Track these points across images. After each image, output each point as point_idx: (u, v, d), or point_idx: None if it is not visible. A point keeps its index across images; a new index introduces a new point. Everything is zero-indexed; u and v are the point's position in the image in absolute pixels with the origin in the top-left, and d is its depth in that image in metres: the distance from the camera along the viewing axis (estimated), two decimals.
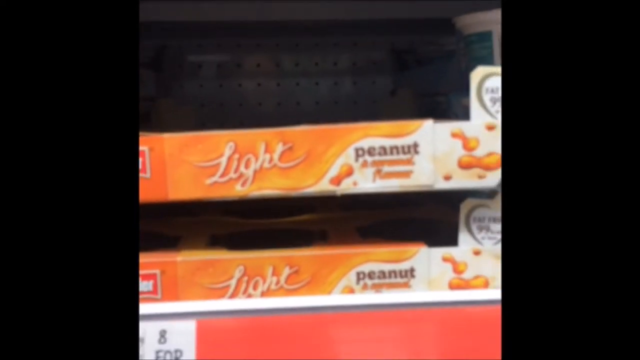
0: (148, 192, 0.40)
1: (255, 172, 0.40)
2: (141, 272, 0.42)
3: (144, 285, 0.42)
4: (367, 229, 0.50)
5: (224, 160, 0.40)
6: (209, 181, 0.40)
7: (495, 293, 0.43)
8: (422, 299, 0.43)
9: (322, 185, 0.40)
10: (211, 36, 0.98)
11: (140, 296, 0.43)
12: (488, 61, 0.52)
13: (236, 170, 0.40)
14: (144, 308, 0.42)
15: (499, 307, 0.42)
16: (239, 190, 0.41)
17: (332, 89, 1.01)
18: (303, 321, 0.42)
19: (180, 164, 0.40)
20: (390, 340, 0.42)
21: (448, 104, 0.68)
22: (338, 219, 0.54)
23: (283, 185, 0.40)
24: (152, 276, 0.42)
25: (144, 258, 0.43)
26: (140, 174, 0.40)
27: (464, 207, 0.43)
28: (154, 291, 0.42)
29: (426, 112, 0.77)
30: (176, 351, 0.41)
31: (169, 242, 0.48)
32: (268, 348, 0.41)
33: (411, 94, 0.83)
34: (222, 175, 0.40)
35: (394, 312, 0.43)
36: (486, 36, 0.52)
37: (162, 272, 0.42)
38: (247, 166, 0.40)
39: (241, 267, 0.43)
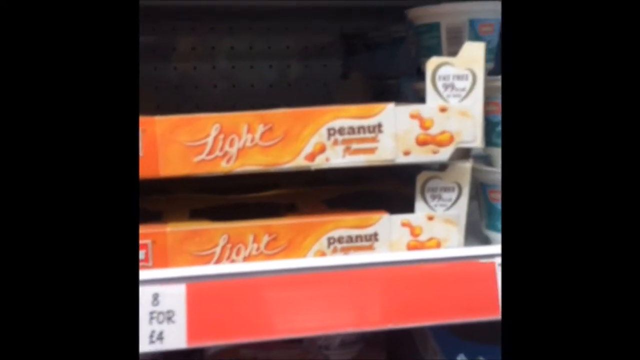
0: (141, 169, 0.45)
1: (238, 150, 0.45)
2: None
3: None
4: (333, 202, 0.55)
5: (210, 140, 0.45)
6: (196, 159, 0.45)
7: (446, 252, 0.50)
8: (385, 259, 0.49)
9: (299, 162, 0.46)
10: (170, 19, 1.00)
11: None
12: (436, 50, 0.58)
13: (222, 149, 0.45)
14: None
15: (450, 264, 0.49)
16: (224, 167, 0.45)
17: (285, 72, 1.05)
18: (282, 281, 0.47)
19: (170, 143, 0.45)
20: (358, 295, 0.48)
21: (398, 87, 0.74)
22: (305, 193, 0.60)
23: (264, 162, 0.45)
24: (143, 246, 0.46)
25: None
26: None
27: (420, 179, 0.50)
28: (146, 259, 0.47)
29: (376, 95, 0.84)
30: (168, 312, 0.46)
31: (153, 217, 0.52)
32: (251, 306, 0.47)
33: (361, 77, 0.89)
34: (209, 154, 0.45)
35: (361, 270, 0.49)
36: (435, 27, 0.58)
37: (153, 242, 0.47)
38: (231, 145, 0.45)
39: (225, 236, 0.47)
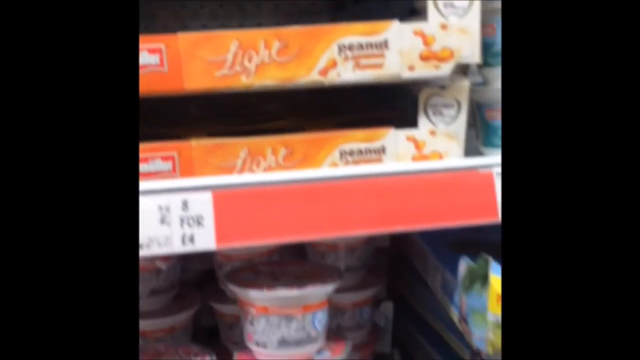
0: (166, 84, 0.48)
1: (257, 66, 0.49)
2: (161, 154, 0.50)
3: (164, 166, 0.50)
4: (341, 125, 0.59)
5: (230, 55, 0.48)
6: (218, 74, 0.48)
7: (448, 163, 0.54)
8: (392, 170, 0.53)
9: (313, 76, 0.50)
10: None
11: (162, 175, 0.50)
12: None
13: (241, 64, 0.48)
14: (167, 183, 0.50)
15: (451, 174, 0.54)
16: (244, 82, 0.49)
17: None
18: (298, 190, 0.51)
19: (193, 59, 0.48)
20: (368, 202, 0.52)
21: None
22: (313, 121, 0.63)
23: (281, 77, 0.49)
24: (170, 158, 0.50)
25: (161, 145, 0.50)
26: (159, 68, 0.48)
27: (422, 96, 0.54)
28: (173, 170, 0.50)
29: None
30: (197, 216, 0.49)
31: (172, 138, 0.55)
32: (271, 212, 0.50)
33: None
34: (230, 68, 0.48)
35: (370, 179, 0.53)
36: None
37: (179, 154, 0.50)
38: (249, 60, 0.49)
39: (245, 149, 0.51)
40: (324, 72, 0.50)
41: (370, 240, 0.76)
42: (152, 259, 0.67)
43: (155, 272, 0.69)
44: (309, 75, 0.50)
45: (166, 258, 0.68)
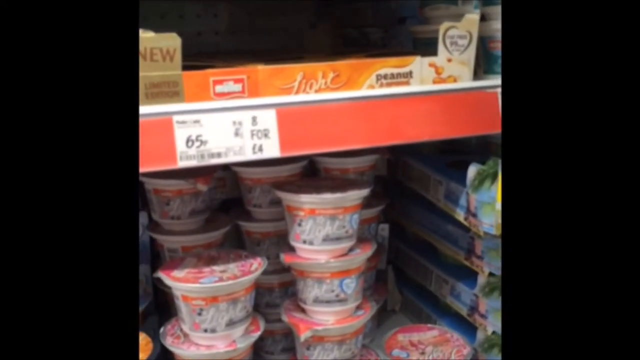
0: None
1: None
2: (233, 77, 0.59)
3: (235, 87, 0.59)
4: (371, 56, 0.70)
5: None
6: None
7: (461, 85, 0.66)
8: (418, 90, 0.64)
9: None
10: None
11: (234, 95, 0.59)
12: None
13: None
14: (239, 102, 0.59)
15: (464, 94, 0.65)
16: None
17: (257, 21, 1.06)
18: (344, 107, 0.62)
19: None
20: (400, 116, 0.63)
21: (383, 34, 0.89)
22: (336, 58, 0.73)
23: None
24: (240, 80, 0.59)
25: (234, 70, 0.59)
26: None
27: (442, 29, 0.65)
28: (242, 91, 0.59)
29: (347, 43, 0.98)
30: (265, 129, 0.59)
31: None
32: (323, 126, 0.60)
33: (329, 27, 1.03)
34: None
35: (401, 99, 0.64)
36: None
37: (248, 77, 0.59)
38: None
39: (301, 73, 0.61)
40: None
41: (374, 166, 0.87)
42: (194, 182, 0.76)
43: (194, 195, 0.77)
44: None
45: (206, 181, 0.77)
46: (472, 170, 0.69)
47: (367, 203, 0.86)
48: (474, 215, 0.69)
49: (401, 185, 0.94)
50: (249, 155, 0.58)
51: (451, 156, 0.87)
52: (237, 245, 0.88)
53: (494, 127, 0.66)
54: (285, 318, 0.72)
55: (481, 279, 0.77)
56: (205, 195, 0.79)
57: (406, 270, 0.98)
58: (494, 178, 0.65)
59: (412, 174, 0.89)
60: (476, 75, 0.69)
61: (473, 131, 0.65)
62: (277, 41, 1.09)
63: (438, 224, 0.86)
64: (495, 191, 0.64)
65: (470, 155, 0.90)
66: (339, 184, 0.71)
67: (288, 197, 0.67)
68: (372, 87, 0.63)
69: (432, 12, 0.76)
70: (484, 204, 0.66)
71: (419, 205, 0.91)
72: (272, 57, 0.72)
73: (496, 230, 0.65)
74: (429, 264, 0.91)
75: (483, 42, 0.69)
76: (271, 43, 1.08)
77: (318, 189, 0.68)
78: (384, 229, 0.95)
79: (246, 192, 0.82)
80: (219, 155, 0.57)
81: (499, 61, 0.68)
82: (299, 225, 0.67)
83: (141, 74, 0.54)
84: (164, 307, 0.84)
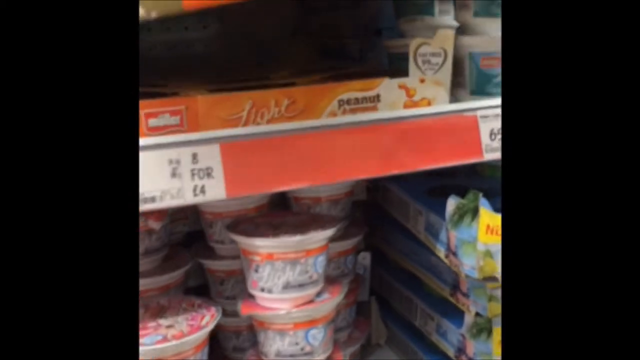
0: None
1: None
2: (169, 108, 0.51)
3: (172, 120, 0.51)
4: (331, 79, 0.62)
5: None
6: None
7: (436, 108, 0.58)
8: (386, 116, 0.56)
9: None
10: None
11: (170, 129, 0.52)
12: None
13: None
14: (176, 137, 0.51)
15: (440, 118, 0.57)
16: None
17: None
18: (301, 139, 0.54)
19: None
20: (365, 147, 0.55)
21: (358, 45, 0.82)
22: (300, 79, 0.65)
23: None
24: (178, 112, 0.51)
25: (169, 100, 0.52)
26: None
27: (412, 46, 0.57)
28: (181, 124, 0.52)
29: (324, 53, 0.91)
30: (207, 168, 0.51)
31: (173, 95, 0.56)
32: (277, 161, 0.53)
33: (306, 37, 0.96)
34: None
35: (366, 127, 0.56)
36: None
37: (187, 108, 0.52)
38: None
39: (250, 101, 0.53)
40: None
41: (350, 193, 0.79)
42: (145, 220, 0.68)
43: (147, 233, 0.70)
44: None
45: (158, 218, 0.69)
46: (451, 204, 0.61)
47: (343, 233, 0.78)
48: (454, 254, 0.61)
49: (382, 209, 0.86)
50: (189, 199, 0.50)
51: (434, 179, 0.80)
52: (202, 282, 0.80)
53: (475, 155, 0.58)
54: None
55: (468, 319, 0.70)
56: (161, 231, 0.71)
57: (391, 300, 0.91)
58: (474, 214, 0.58)
59: (392, 199, 0.81)
60: (455, 97, 0.62)
61: (450, 160, 0.58)
62: (255, 50, 1.02)
63: (421, 255, 0.79)
64: (476, 229, 0.57)
65: (456, 177, 0.82)
66: (303, 221, 0.63)
67: (241, 240, 0.59)
68: (333, 114, 0.56)
69: (407, 24, 0.68)
70: (464, 243, 0.59)
71: (401, 232, 0.83)
72: (234, 76, 0.64)
73: (479, 274, 0.58)
74: (413, 296, 0.83)
75: (473, 59, 0.61)
76: (250, 52, 1.01)
77: (277, 229, 0.61)
78: (365, 257, 0.87)
79: (207, 226, 0.74)
80: (152, 200, 0.49)
81: (495, 80, 0.60)
82: (256, 271, 0.60)
83: None
84: None
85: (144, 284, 0.69)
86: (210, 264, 0.74)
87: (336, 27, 0.93)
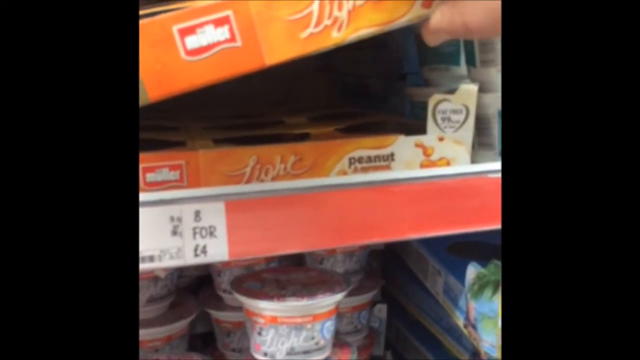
0: (243, 61, 0.40)
1: (349, 12, 0.40)
2: (168, 163, 0.49)
3: (172, 175, 0.49)
4: (344, 131, 0.59)
5: (315, 7, 0.40)
6: (304, 34, 0.40)
7: (454, 169, 0.54)
8: (401, 176, 0.53)
9: (415, 11, 0.41)
10: None
11: (169, 184, 0.49)
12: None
13: (330, 16, 0.40)
14: (178, 193, 0.48)
15: (457, 180, 0.53)
16: (335, 37, 0.41)
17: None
18: (309, 199, 0.51)
19: (270, 21, 0.39)
20: (379, 210, 0.52)
21: (381, 88, 0.78)
22: (313, 126, 0.62)
23: (378, 21, 0.41)
24: (178, 166, 0.49)
25: (168, 154, 0.49)
26: (230, 44, 0.40)
27: (431, 102, 0.53)
28: (181, 179, 0.49)
29: (346, 92, 0.88)
30: (210, 227, 0.48)
31: (178, 145, 0.54)
32: (283, 221, 0.49)
33: (326, 75, 0.93)
34: (317, 25, 0.40)
35: (379, 188, 0.52)
36: None
37: (187, 163, 0.49)
38: (339, 9, 0.40)
39: (254, 157, 0.50)
40: (427, 3, 0.42)
41: (367, 245, 0.75)
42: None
43: (153, 280, 0.67)
44: (411, 10, 0.42)
45: None
46: (471, 272, 0.57)
47: (358, 287, 0.74)
48: (474, 327, 0.57)
49: (400, 258, 0.82)
50: (189, 259, 0.47)
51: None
52: (210, 329, 0.77)
53: (498, 220, 0.54)
54: None
55: None
56: (167, 279, 0.69)
57: (407, 357, 0.86)
58: (495, 287, 0.53)
59: (411, 251, 0.77)
60: (479, 156, 0.57)
61: (471, 226, 0.53)
62: (275, 85, 0.99)
63: (440, 314, 0.74)
64: (498, 304, 0.52)
65: (480, 234, 0.77)
66: (312, 279, 0.60)
67: (244, 301, 0.56)
68: (343, 172, 0.52)
69: (430, 73, 0.65)
70: (485, 317, 0.54)
71: (420, 285, 0.79)
72: (250, 116, 0.61)
73: (499, 353, 0.53)
74: (431, 357, 0.78)
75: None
76: (270, 87, 0.98)
77: (283, 288, 0.57)
78: (382, 309, 0.83)
79: (215, 275, 0.71)
80: (151, 259, 0.47)
81: None
82: (259, 334, 0.56)
83: None
84: None
85: (146, 333, 0.67)
86: (217, 315, 0.71)
87: (360, 66, 0.90)
